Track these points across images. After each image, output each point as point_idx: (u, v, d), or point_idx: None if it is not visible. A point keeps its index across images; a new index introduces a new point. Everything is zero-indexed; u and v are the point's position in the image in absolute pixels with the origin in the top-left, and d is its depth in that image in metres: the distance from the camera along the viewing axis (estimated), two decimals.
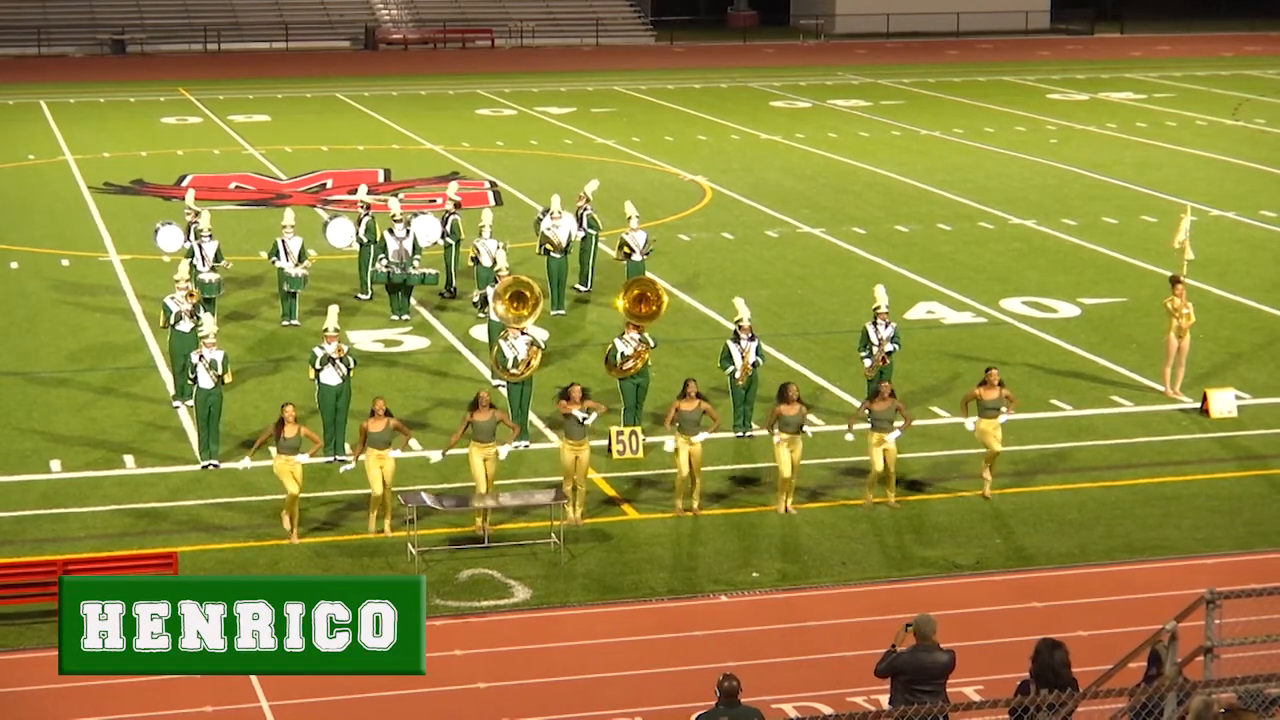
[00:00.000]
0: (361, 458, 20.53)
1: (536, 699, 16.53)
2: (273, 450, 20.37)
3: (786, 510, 21.00)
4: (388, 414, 20.56)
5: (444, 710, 16.31)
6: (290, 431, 20.20)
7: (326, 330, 23.02)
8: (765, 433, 23.27)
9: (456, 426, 21.51)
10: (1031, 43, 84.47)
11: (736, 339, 23.49)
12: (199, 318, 24.00)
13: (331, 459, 22.52)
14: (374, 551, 20.00)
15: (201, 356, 22.52)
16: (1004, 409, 21.49)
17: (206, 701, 16.32)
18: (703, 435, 21.07)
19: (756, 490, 21.98)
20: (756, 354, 23.47)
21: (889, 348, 23.77)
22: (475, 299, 27.31)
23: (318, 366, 22.67)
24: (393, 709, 16.28)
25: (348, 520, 20.88)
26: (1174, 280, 25.52)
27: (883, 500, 21.21)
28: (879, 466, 21.00)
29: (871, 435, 21.08)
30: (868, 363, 23.90)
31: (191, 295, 25.30)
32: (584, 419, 20.67)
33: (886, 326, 23.83)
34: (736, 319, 23.67)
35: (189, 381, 23.09)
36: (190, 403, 23.86)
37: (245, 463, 21.62)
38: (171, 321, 24.87)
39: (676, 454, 21.02)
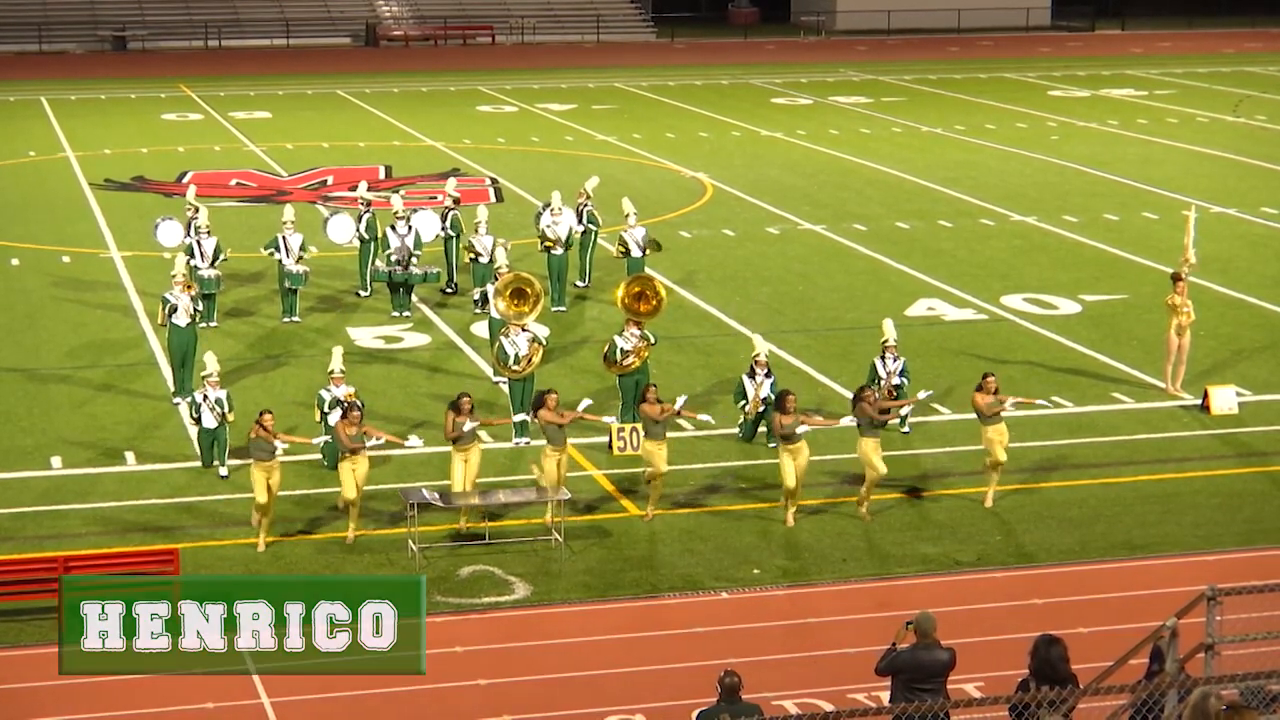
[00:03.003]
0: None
1: (537, 696, 16.54)
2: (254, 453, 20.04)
3: (789, 522, 20.58)
4: (362, 419, 20.26)
5: (445, 707, 16.31)
6: (268, 436, 19.82)
7: (333, 372, 22.14)
8: (764, 429, 23.33)
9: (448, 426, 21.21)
10: (1032, 40, 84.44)
11: (752, 374, 23.29)
12: (197, 311, 23.82)
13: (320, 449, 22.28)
14: (375, 548, 19.98)
15: (205, 396, 22.14)
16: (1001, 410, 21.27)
17: (208, 698, 16.32)
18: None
19: (757, 487, 21.96)
20: (770, 389, 23.17)
21: (896, 381, 23.42)
22: (476, 297, 27.18)
23: (325, 410, 21.85)
24: (394, 706, 16.29)
25: (348, 518, 20.84)
26: (1175, 278, 25.51)
27: (862, 501, 21.01)
28: (882, 470, 20.78)
29: (862, 440, 20.80)
30: (875, 397, 23.52)
31: (189, 287, 25.19)
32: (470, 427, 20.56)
33: (895, 360, 23.43)
34: (754, 354, 23.48)
35: (193, 420, 22.69)
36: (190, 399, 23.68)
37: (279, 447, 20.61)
38: (168, 313, 24.77)
39: (652, 458, 20.83)
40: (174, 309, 24.69)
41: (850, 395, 21.83)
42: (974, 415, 21.75)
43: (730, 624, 18.14)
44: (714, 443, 23.24)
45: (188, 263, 28.11)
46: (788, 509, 20.72)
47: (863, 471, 20.89)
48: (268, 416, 20.10)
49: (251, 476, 20.00)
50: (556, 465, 20.62)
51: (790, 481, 20.49)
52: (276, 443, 19.98)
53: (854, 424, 20.89)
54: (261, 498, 19.80)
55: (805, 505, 21.03)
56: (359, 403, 21.50)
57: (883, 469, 20.72)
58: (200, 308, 24.37)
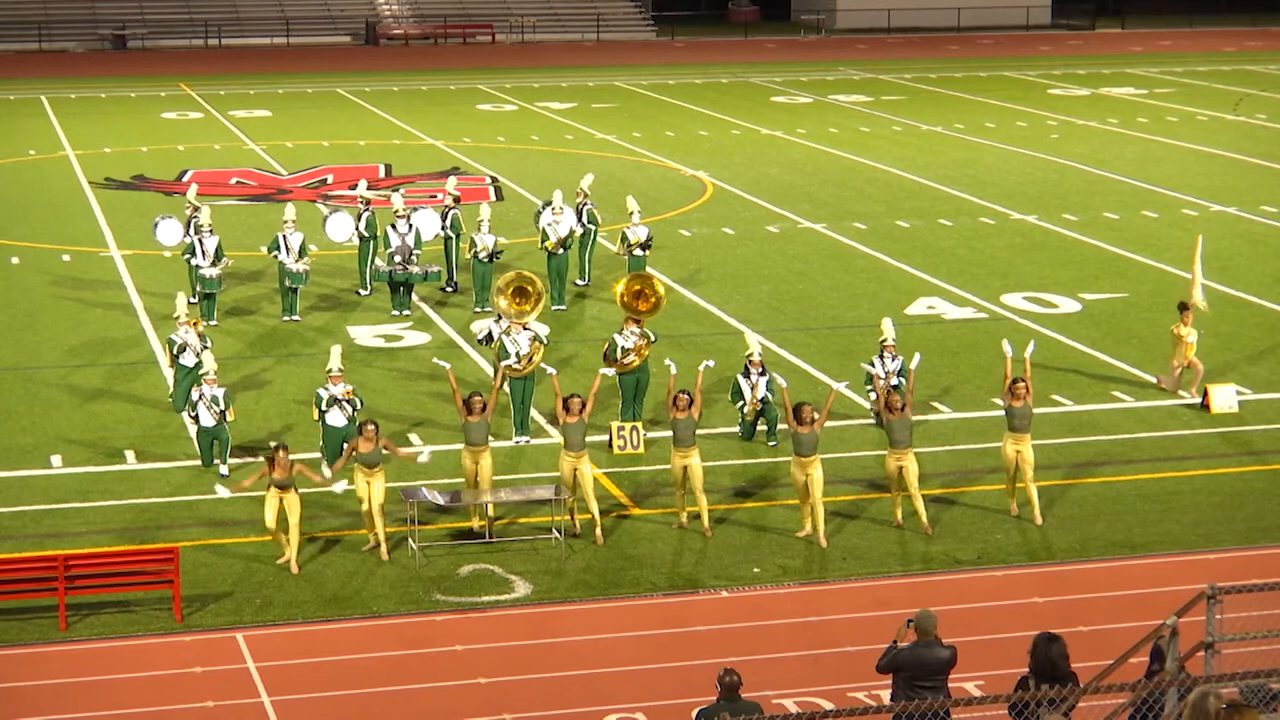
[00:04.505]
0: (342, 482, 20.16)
1: (538, 694, 16.53)
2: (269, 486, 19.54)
3: (809, 537, 20.14)
4: (377, 435, 19.94)
5: (445, 706, 16.30)
6: (280, 474, 19.31)
7: (331, 371, 22.00)
8: (763, 428, 23.34)
9: (457, 420, 21.15)
10: (1033, 38, 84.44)
11: (746, 373, 23.23)
12: (203, 352, 23.08)
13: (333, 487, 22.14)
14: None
15: (202, 394, 22.09)
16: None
17: (208, 697, 16.32)
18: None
19: (757, 486, 21.96)
20: (766, 388, 23.13)
21: (894, 381, 23.28)
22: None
23: (323, 408, 21.76)
24: (394, 705, 16.28)
25: (349, 518, 20.84)
26: (1182, 306, 25.38)
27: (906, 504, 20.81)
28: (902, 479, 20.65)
29: (890, 452, 20.59)
30: (874, 396, 23.45)
31: (195, 324, 24.30)
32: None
33: (893, 360, 23.29)
34: (747, 353, 23.43)
35: (191, 418, 22.65)
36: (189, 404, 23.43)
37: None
38: (174, 353, 23.94)
39: (671, 464, 20.68)
40: (183, 348, 23.79)
41: (871, 405, 21.61)
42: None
43: (730, 623, 18.14)
44: (714, 442, 23.23)
45: (191, 262, 28.13)
46: (805, 521, 20.25)
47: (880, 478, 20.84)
48: (281, 453, 19.37)
49: (265, 504, 19.48)
50: (574, 471, 20.43)
51: (802, 495, 20.12)
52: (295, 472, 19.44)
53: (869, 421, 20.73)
54: (271, 522, 19.34)
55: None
56: (357, 403, 21.51)
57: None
58: (208, 344, 23.70)
